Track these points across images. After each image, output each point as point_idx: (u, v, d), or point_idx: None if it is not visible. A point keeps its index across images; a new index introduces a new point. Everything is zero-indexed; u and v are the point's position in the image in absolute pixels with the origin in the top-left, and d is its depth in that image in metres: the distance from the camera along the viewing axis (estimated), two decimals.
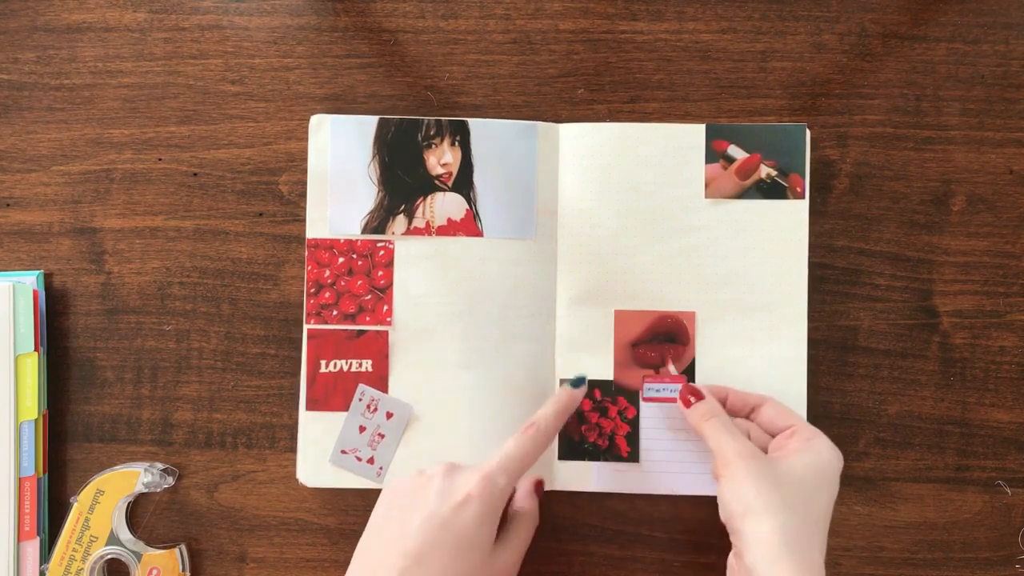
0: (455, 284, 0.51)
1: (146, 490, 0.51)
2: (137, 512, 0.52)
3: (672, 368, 0.51)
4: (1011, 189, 0.52)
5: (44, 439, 0.51)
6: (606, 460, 0.51)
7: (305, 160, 0.52)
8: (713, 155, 0.51)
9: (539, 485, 0.49)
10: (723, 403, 0.48)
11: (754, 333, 0.51)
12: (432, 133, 0.51)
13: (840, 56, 0.53)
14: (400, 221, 0.51)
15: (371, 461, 0.50)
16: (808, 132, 0.51)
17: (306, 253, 0.51)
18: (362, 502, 0.52)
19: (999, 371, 0.52)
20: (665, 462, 0.51)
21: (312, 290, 0.51)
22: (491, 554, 0.42)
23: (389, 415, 0.51)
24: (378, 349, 0.51)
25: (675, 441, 0.51)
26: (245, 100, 0.53)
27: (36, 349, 0.51)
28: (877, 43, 0.53)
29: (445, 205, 0.51)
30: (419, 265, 0.51)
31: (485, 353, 0.51)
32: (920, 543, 0.51)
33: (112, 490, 0.51)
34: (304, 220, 0.52)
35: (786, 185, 0.51)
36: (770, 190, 0.51)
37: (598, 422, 0.51)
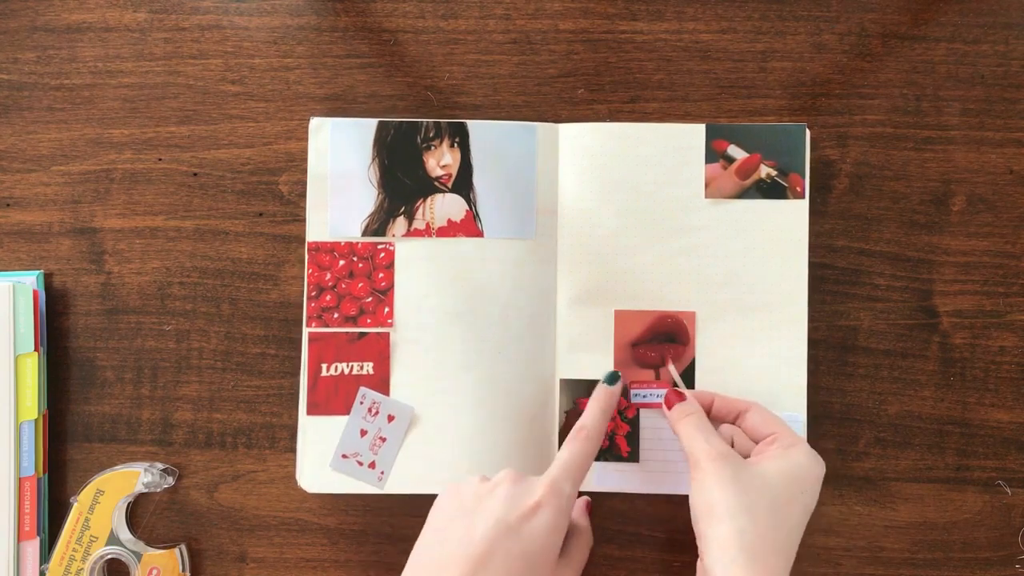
0: (456, 285, 0.51)
1: (146, 490, 0.51)
2: (137, 512, 0.52)
3: (672, 368, 0.51)
4: (1011, 189, 0.52)
5: (44, 439, 0.51)
6: (606, 460, 0.51)
7: (305, 160, 0.52)
8: (713, 155, 0.51)
9: (589, 505, 0.49)
10: (709, 408, 0.48)
11: (754, 333, 0.51)
12: (431, 135, 0.51)
13: (840, 56, 0.53)
14: (400, 223, 0.51)
15: (372, 465, 0.50)
16: (808, 132, 0.51)
17: (306, 256, 0.51)
18: (362, 503, 0.52)
19: (999, 371, 0.52)
20: (665, 462, 0.51)
21: (313, 293, 0.51)
22: (556, 567, 0.42)
23: (391, 418, 0.51)
24: (379, 351, 0.51)
25: (675, 441, 0.51)
26: (245, 100, 0.53)
27: (36, 349, 0.51)
28: (877, 43, 0.53)
29: (445, 206, 0.51)
30: (420, 266, 0.51)
31: (486, 353, 0.51)
32: (920, 543, 0.51)
33: (112, 490, 0.51)
34: (304, 220, 0.52)
35: (786, 185, 0.51)
36: (770, 190, 0.51)
37: None
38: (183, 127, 0.53)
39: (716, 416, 0.48)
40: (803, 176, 0.51)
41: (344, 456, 0.50)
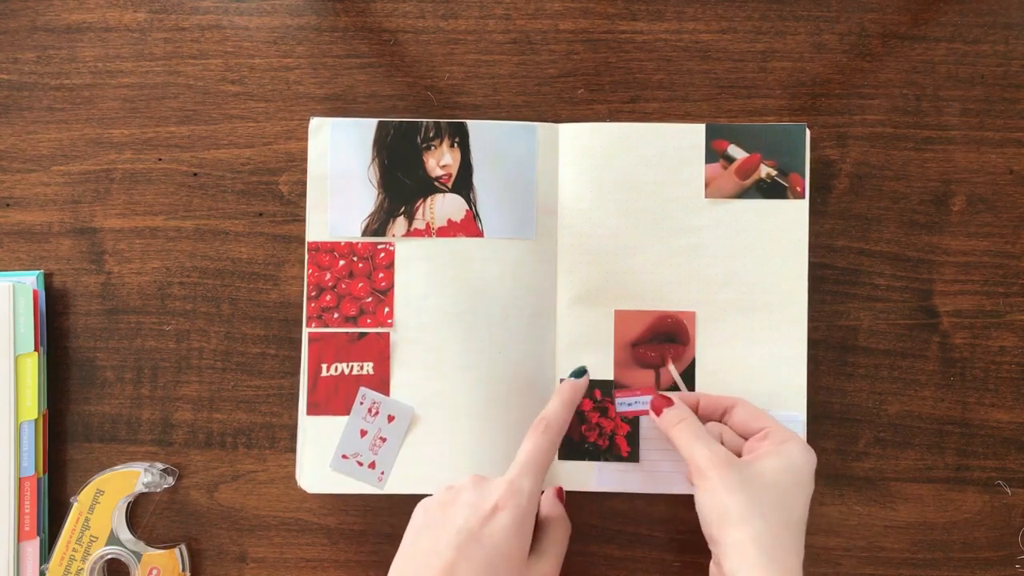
0: (456, 285, 0.51)
1: (146, 490, 0.51)
2: (137, 512, 0.52)
3: (672, 368, 0.51)
4: (1011, 189, 0.52)
5: (44, 439, 0.51)
6: (606, 460, 0.51)
7: (305, 160, 0.52)
8: (713, 155, 0.51)
9: (560, 491, 0.49)
10: (695, 409, 0.48)
11: (754, 333, 0.51)
12: (431, 135, 0.51)
13: (840, 56, 0.53)
14: (400, 223, 0.51)
15: (372, 466, 0.50)
16: (808, 132, 0.51)
17: (306, 256, 0.51)
18: (362, 503, 0.52)
19: (999, 371, 0.52)
20: (665, 462, 0.51)
21: (313, 293, 0.51)
22: (527, 565, 0.42)
23: (391, 418, 0.51)
24: (379, 351, 0.51)
25: None
26: (245, 100, 0.53)
27: (36, 349, 0.51)
28: (877, 43, 0.53)
29: (445, 206, 0.51)
30: (420, 266, 0.51)
31: (486, 353, 0.51)
32: (920, 543, 0.51)
33: (112, 490, 0.51)
34: (304, 220, 0.52)
35: (786, 185, 0.51)
36: (770, 190, 0.51)
37: (598, 422, 0.51)
38: (183, 127, 0.53)
39: (702, 415, 0.48)
40: (803, 176, 0.51)
41: (344, 456, 0.50)
